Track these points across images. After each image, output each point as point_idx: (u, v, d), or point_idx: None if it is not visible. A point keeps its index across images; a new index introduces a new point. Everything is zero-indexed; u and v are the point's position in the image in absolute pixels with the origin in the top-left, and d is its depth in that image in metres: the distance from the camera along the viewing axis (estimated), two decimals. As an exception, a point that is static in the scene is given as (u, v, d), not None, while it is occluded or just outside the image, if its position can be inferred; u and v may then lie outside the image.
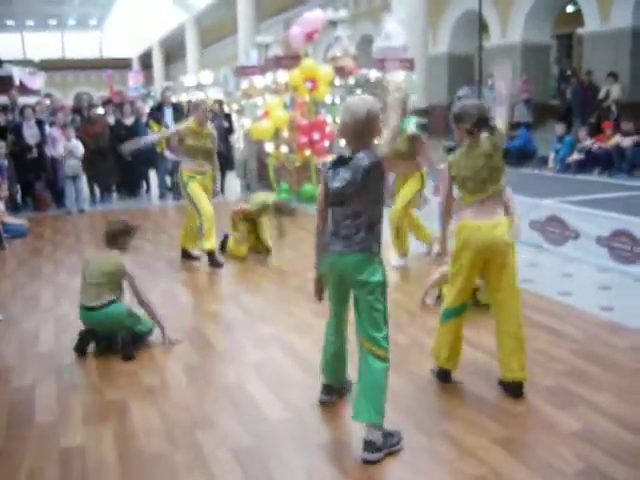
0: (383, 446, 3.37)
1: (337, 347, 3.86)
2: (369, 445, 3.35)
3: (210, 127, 7.56)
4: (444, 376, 4.28)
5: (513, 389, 4.03)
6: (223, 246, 7.91)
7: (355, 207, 3.45)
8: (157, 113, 13.36)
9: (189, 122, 7.44)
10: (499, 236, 3.92)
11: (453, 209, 4.29)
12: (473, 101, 4.21)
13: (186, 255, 7.83)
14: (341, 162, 3.47)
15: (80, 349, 4.95)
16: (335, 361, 3.91)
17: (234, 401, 4.09)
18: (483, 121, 3.97)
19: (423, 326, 5.37)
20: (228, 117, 14.54)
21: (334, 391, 4.04)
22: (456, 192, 4.18)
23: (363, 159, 3.37)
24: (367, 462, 3.32)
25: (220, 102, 14.87)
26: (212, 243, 7.35)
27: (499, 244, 3.93)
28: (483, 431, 3.61)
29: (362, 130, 3.40)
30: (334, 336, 3.86)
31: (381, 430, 3.40)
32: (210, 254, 7.40)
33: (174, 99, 16.48)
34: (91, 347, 4.99)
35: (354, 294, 3.59)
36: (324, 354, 3.95)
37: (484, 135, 4.00)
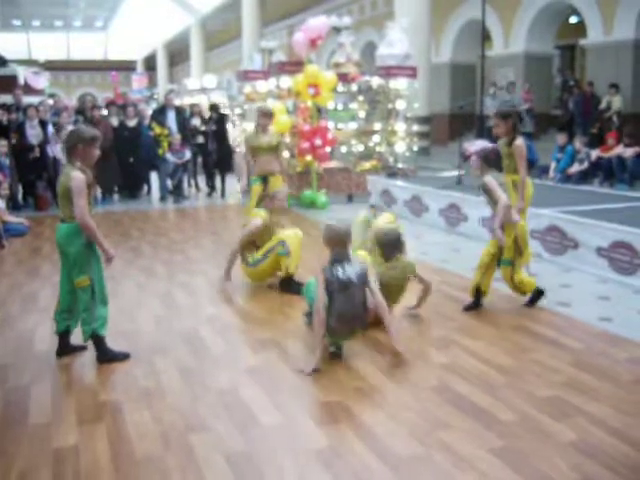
0: None
1: None
2: None
3: None
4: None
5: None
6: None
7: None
8: (160, 116, 13.36)
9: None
10: None
11: None
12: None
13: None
14: (339, 261, 4.69)
15: (60, 353, 4.91)
16: None
17: (228, 405, 4.07)
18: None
19: (427, 337, 5.35)
20: (222, 119, 14.45)
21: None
22: None
23: (361, 264, 4.82)
24: None
25: (216, 106, 14.80)
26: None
27: None
28: (479, 440, 3.59)
29: (347, 243, 4.78)
30: None
31: None
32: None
33: (177, 102, 16.48)
34: (90, 354, 4.98)
35: None
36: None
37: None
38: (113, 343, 4.86)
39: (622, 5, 15.38)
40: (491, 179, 5.85)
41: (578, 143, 12.75)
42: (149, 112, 15.48)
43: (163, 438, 3.66)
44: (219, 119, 14.14)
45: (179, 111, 13.84)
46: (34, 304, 6.28)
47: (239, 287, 6.92)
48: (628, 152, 11.84)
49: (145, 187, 14.09)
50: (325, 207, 11.67)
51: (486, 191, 5.89)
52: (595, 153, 12.44)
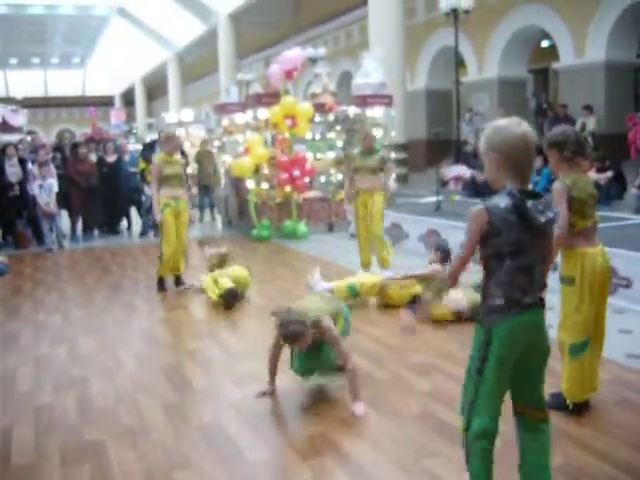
0: None
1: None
2: None
3: (178, 156, 8.59)
4: (585, 406, 4.26)
5: None
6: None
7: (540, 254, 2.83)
8: (148, 151, 13.39)
9: (160, 154, 8.31)
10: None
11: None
12: None
13: (162, 286, 8.31)
14: (531, 196, 2.75)
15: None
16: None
17: (213, 441, 4.05)
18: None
19: (403, 361, 5.35)
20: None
21: None
22: None
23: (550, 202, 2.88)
24: None
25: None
26: (165, 271, 8.24)
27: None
28: (464, 467, 3.58)
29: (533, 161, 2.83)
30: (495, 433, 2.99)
31: None
32: (160, 280, 8.27)
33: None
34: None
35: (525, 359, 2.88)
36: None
37: None
38: (95, 380, 4.83)
39: (592, 28, 15.66)
40: (560, 187, 4.17)
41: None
42: (129, 147, 15.54)
43: (148, 476, 3.63)
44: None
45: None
46: (15, 344, 6.23)
47: (221, 320, 6.92)
48: (602, 179, 12.05)
49: (125, 222, 14.07)
50: (306, 237, 11.70)
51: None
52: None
